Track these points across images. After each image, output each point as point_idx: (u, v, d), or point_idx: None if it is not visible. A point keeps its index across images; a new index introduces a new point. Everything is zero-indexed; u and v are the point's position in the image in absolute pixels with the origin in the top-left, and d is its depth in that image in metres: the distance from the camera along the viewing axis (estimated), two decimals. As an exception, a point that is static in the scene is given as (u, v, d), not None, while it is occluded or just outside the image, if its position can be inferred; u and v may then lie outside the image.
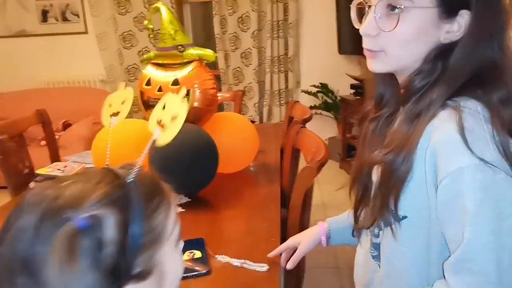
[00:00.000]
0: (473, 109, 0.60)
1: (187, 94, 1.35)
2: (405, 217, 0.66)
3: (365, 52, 0.68)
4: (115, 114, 0.84)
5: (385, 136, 0.70)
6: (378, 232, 0.72)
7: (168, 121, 0.63)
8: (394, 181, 0.65)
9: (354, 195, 0.77)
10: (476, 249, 0.57)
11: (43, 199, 0.42)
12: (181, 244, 0.55)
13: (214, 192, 1.40)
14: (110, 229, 0.42)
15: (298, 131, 1.46)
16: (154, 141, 0.63)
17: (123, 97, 0.86)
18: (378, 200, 0.69)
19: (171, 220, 0.50)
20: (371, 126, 0.74)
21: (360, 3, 0.68)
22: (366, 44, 0.67)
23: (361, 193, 0.76)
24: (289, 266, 0.93)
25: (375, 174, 0.70)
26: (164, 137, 0.63)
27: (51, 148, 2.00)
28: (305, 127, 1.50)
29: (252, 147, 1.55)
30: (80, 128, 2.88)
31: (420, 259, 0.67)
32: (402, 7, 0.61)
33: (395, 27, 0.62)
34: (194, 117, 1.39)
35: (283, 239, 1.10)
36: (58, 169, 1.49)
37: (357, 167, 0.76)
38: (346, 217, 0.94)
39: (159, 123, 0.64)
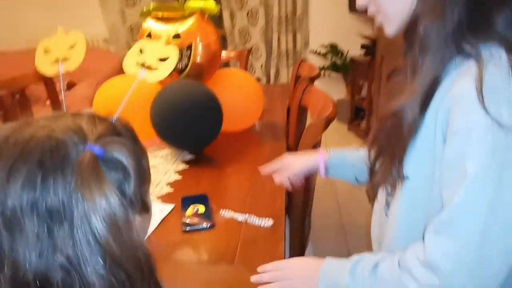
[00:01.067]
0: (497, 59, 0.54)
1: (189, 48, 1.30)
2: (407, 177, 0.63)
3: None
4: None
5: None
6: (391, 190, 0.69)
7: (155, 62, 0.59)
8: (402, 133, 0.61)
9: (373, 152, 0.71)
10: (465, 215, 0.52)
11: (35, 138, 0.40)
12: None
13: (219, 150, 1.38)
14: (126, 156, 0.42)
15: (305, 88, 1.41)
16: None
17: (68, 42, 0.80)
18: (387, 154, 0.66)
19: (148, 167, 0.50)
20: (396, 79, 0.70)
21: None
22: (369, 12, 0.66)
23: (379, 148, 0.70)
24: (277, 181, 0.93)
25: None
26: (155, 76, 0.59)
27: (54, 107, 1.97)
28: (313, 84, 1.45)
29: (257, 104, 1.51)
30: (84, 88, 2.84)
31: (419, 222, 0.62)
32: None
33: None
34: (196, 73, 1.34)
35: (288, 195, 1.08)
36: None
37: (378, 121, 0.72)
38: (349, 153, 0.92)
39: (143, 65, 0.60)
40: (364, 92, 3.11)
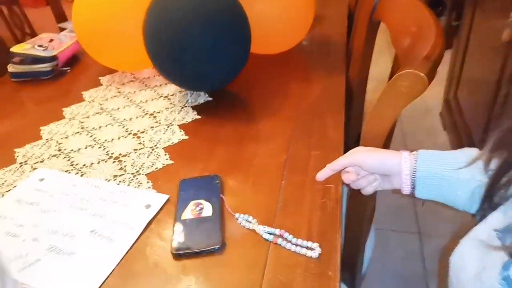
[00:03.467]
0: None
1: None
2: None
3: None
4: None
5: None
6: None
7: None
8: None
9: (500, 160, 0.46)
10: None
11: None
12: None
13: (245, 86, 0.97)
14: None
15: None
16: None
17: None
18: None
19: None
20: None
21: None
22: None
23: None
24: (348, 178, 0.60)
25: None
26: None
27: (53, 7, 1.59)
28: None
29: (304, 14, 1.03)
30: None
31: None
32: None
33: None
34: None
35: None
36: (40, 46, 1.10)
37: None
38: (449, 157, 0.55)
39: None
40: None
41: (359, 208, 0.74)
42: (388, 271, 1.41)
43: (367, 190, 0.60)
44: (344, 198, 0.82)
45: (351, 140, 1.07)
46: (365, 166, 0.56)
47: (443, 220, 1.56)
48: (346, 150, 0.75)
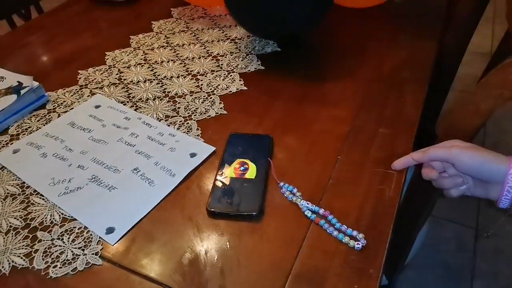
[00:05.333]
0: None
1: None
2: None
3: None
4: None
5: None
6: None
7: None
8: None
9: None
10: None
11: None
12: None
13: (321, 40, 0.88)
14: None
15: None
16: None
17: None
18: None
19: None
20: None
21: None
22: None
23: None
24: (428, 173, 0.52)
25: None
26: None
27: None
28: None
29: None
30: None
31: None
32: None
33: None
34: None
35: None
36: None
37: None
38: None
39: None
40: None
41: (421, 200, 0.66)
42: (435, 260, 1.33)
43: (451, 193, 0.51)
44: (405, 184, 0.74)
45: (428, 120, 0.95)
46: (460, 166, 0.47)
47: (505, 220, 1.41)
48: (418, 131, 0.66)
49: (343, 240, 0.48)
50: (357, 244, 0.47)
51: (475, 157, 0.46)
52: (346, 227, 0.49)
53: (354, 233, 0.49)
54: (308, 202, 0.52)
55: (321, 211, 0.51)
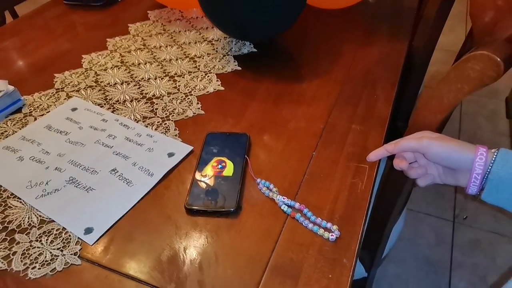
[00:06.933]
0: None
1: None
2: None
3: None
4: None
5: None
6: None
7: None
8: None
9: None
10: None
11: None
12: None
13: (295, 41, 0.90)
14: None
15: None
16: None
17: None
18: None
19: None
20: None
21: None
22: None
23: None
24: (399, 164, 0.52)
25: None
26: None
27: None
28: None
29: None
30: None
31: None
32: None
33: None
34: None
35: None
36: (94, -30, 1.06)
37: None
38: None
39: None
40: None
41: (394, 191, 0.68)
42: (413, 253, 1.36)
43: (421, 182, 0.53)
44: (378, 178, 0.76)
45: (401, 117, 0.98)
46: (430, 155, 0.49)
47: (483, 213, 1.46)
48: (390, 127, 0.69)
49: (318, 232, 0.50)
50: (331, 235, 0.49)
51: (444, 147, 0.48)
52: (320, 219, 0.51)
53: (328, 225, 0.51)
54: (284, 197, 0.54)
55: (297, 205, 0.53)
